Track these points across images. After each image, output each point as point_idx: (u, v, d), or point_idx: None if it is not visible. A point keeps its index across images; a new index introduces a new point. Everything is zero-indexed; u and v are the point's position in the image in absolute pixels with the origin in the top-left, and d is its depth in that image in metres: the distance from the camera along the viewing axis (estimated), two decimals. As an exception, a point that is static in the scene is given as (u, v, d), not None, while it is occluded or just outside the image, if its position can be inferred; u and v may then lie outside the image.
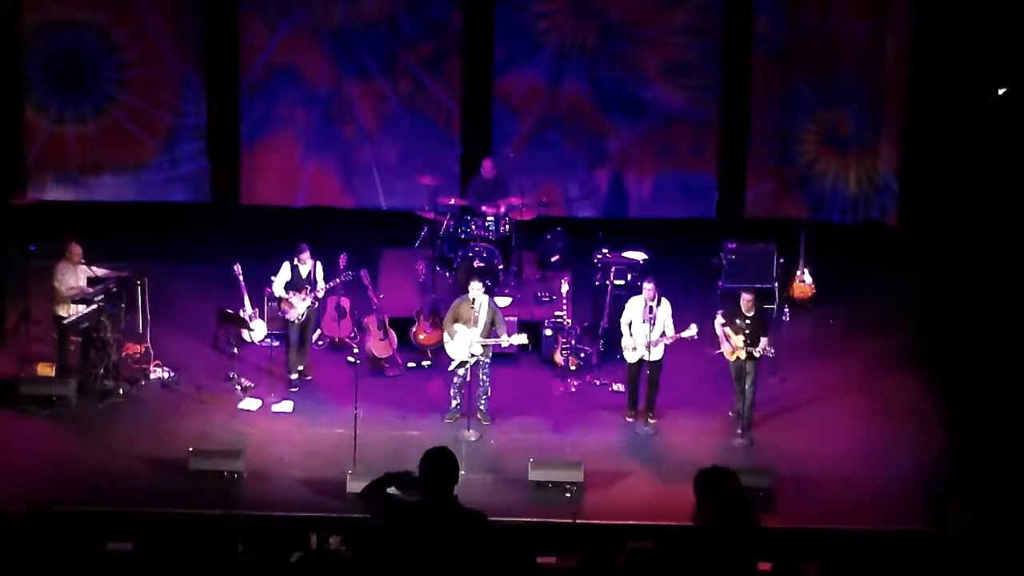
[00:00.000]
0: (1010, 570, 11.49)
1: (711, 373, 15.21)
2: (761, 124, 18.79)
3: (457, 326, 14.36)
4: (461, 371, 14.47)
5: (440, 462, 6.94)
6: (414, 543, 6.82)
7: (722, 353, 14.47)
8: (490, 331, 14.35)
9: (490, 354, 14.49)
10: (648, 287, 14.38)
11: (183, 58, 18.66)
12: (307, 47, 18.69)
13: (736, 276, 17.04)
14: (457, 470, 6.96)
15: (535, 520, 12.88)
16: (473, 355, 14.33)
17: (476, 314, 14.31)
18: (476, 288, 14.36)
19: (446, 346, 14.57)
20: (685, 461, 14.03)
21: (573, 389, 15.49)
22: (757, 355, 14.21)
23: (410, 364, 15.85)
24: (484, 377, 14.52)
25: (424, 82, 18.76)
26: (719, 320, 14.42)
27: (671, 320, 14.39)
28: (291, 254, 15.14)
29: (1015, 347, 15.02)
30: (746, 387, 14.33)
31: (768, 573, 10.03)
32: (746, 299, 14.23)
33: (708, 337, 14.92)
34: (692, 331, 14.33)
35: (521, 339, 14.78)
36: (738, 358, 14.28)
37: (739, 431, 14.42)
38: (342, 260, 15.44)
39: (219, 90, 18.70)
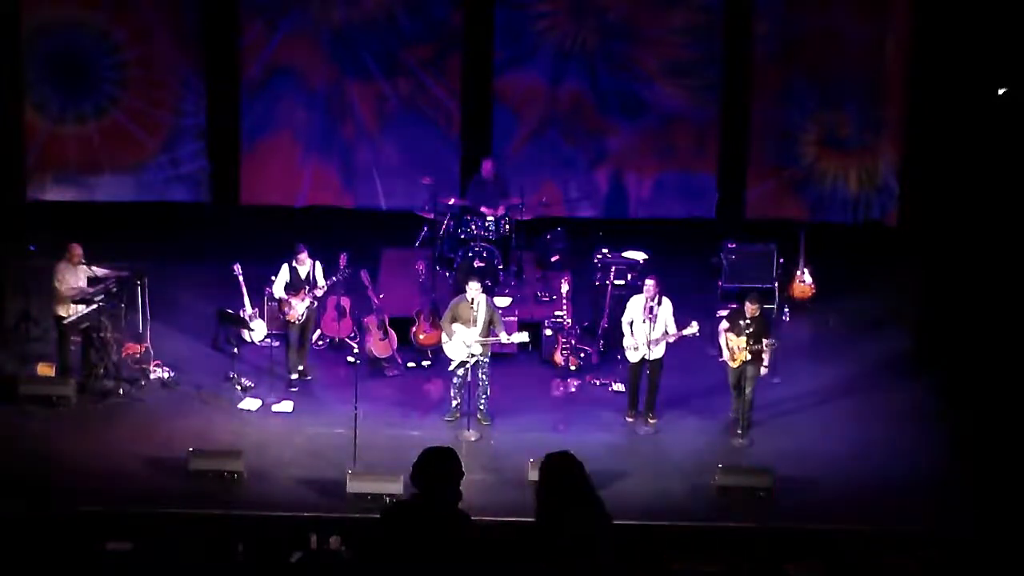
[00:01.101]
0: (1010, 570, 11.50)
1: (711, 373, 15.21)
2: (761, 124, 18.80)
3: (456, 326, 14.36)
4: (461, 371, 14.47)
5: (434, 463, 6.92)
6: (409, 542, 6.81)
7: (725, 360, 14.45)
8: (488, 330, 14.36)
9: (489, 354, 14.49)
10: (649, 284, 14.38)
11: (183, 58, 18.66)
12: (307, 47, 18.69)
13: (736, 276, 17.06)
14: (453, 470, 6.91)
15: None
16: (472, 355, 14.33)
17: (475, 314, 14.30)
18: (474, 288, 14.36)
19: (444, 346, 14.57)
20: (685, 461, 14.08)
21: (573, 389, 15.49)
22: (764, 348, 14.15)
23: (410, 364, 15.85)
24: (483, 377, 14.51)
25: (424, 82, 18.76)
26: (723, 325, 14.40)
27: (672, 318, 14.39)
28: (290, 255, 15.15)
29: (1015, 347, 15.02)
30: (746, 391, 14.31)
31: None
32: (750, 307, 14.21)
33: (708, 336, 14.93)
34: (693, 328, 14.32)
35: (522, 337, 14.79)
36: (741, 362, 14.26)
37: (739, 431, 14.42)
38: (342, 260, 15.44)
39: (219, 90, 18.71)
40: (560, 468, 7.01)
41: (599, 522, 6.94)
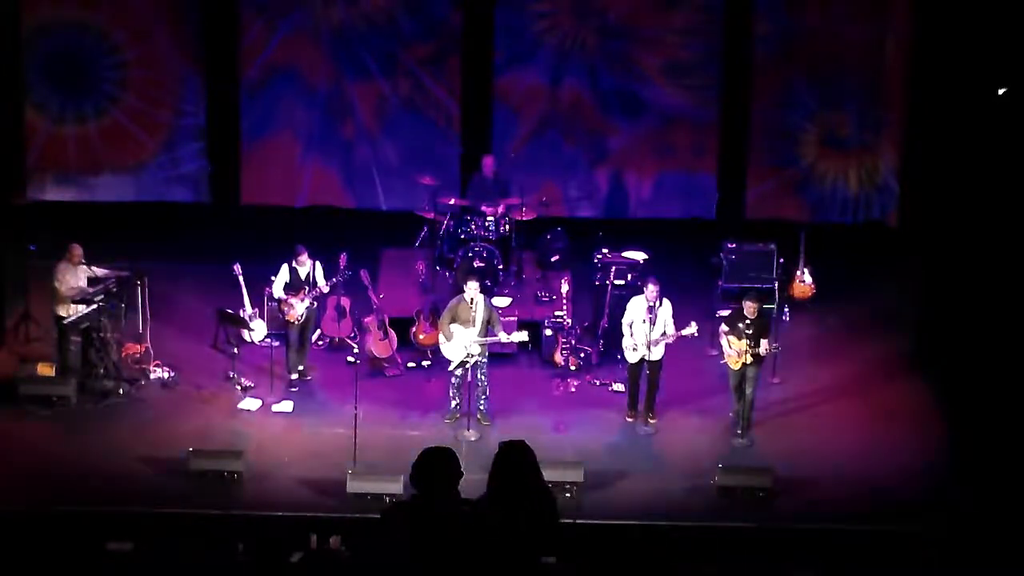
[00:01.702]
0: (1010, 569, 11.50)
1: (711, 373, 15.22)
2: (761, 124, 18.78)
3: (454, 327, 14.36)
4: (459, 371, 14.47)
5: (433, 463, 6.92)
6: (409, 542, 6.81)
7: (726, 363, 14.45)
8: (487, 330, 14.36)
9: (487, 354, 14.49)
10: (652, 288, 14.36)
11: (183, 58, 18.65)
12: (307, 47, 18.68)
13: (736, 276, 17.05)
14: (452, 470, 6.92)
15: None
16: (471, 355, 14.33)
17: (473, 314, 14.31)
18: (472, 288, 14.37)
19: (442, 347, 14.57)
20: (685, 461, 14.09)
21: (573, 389, 15.49)
22: (763, 353, 14.17)
23: (410, 364, 15.85)
24: (482, 377, 14.51)
25: (424, 82, 18.75)
26: (723, 328, 14.41)
27: (672, 319, 14.40)
28: (290, 256, 15.16)
29: (1015, 347, 15.01)
30: (747, 392, 14.31)
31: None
32: (749, 306, 14.22)
33: (708, 336, 14.92)
34: (692, 329, 14.33)
35: (522, 336, 14.79)
36: (743, 364, 14.25)
37: (739, 431, 14.42)
38: (342, 260, 15.45)
39: (219, 90, 18.68)
40: (514, 457, 7.02)
41: (544, 516, 6.96)
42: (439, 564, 6.79)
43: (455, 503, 6.90)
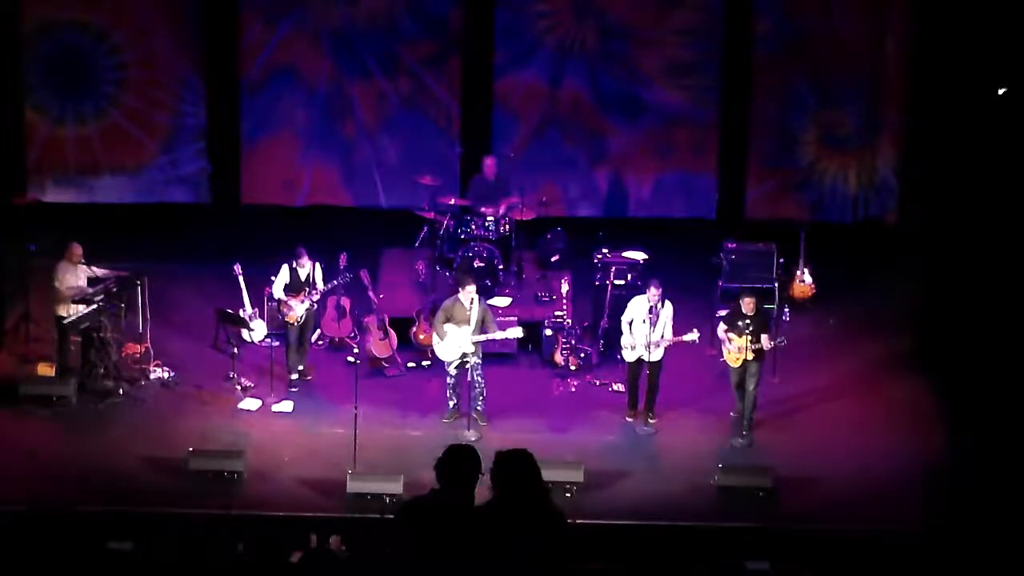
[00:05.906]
0: (1009, 570, 11.50)
1: (711, 373, 15.22)
2: (761, 124, 18.79)
3: (448, 326, 14.37)
4: (453, 371, 14.48)
5: (454, 461, 6.97)
6: (423, 540, 6.82)
7: (726, 360, 14.44)
8: (481, 329, 14.38)
9: (480, 353, 14.48)
10: (654, 291, 14.34)
11: (183, 58, 18.65)
12: (307, 47, 18.69)
13: (736, 276, 17.04)
14: (472, 470, 6.98)
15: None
16: (465, 354, 14.34)
17: (469, 314, 14.32)
18: (469, 289, 14.37)
19: (435, 347, 14.57)
20: (685, 461, 14.08)
21: (573, 389, 15.49)
22: (764, 348, 14.14)
23: (410, 364, 15.85)
24: (478, 378, 14.50)
25: (424, 82, 18.76)
26: (721, 327, 14.40)
27: (671, 322, 14.39)
28: (290, 258, 15.16)
29: (1015, 347, 15.01)
30: (749, 389, 14.30)
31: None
32: (747, 302, 14.22)
33: (709, 338, 14.91)
34: (693, 336, 14.32)
35: (516, 332, 14.78)
36: (744, 361, 14.24)
37: (742, 431, 14.41)
38: (342, 260, 15.45)
39: (219, 90, 18.69)
40: (512, 466, 7.07)
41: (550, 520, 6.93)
42: (448, 562, 6.80)
43: (471, 501, 6.94)
